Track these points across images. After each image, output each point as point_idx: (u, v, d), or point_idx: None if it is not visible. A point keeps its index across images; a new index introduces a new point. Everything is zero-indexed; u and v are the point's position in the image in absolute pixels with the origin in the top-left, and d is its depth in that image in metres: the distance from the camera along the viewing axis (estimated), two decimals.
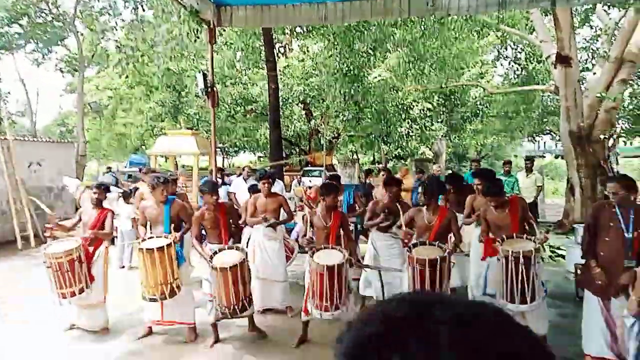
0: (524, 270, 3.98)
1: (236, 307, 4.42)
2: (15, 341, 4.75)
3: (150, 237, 4.70)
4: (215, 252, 4.62)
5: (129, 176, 15.07)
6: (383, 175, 7.01)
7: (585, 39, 14.04)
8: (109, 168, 8.09)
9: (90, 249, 4.93)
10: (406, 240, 4.58)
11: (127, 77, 19.90)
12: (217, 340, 4.69)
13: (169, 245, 4.50)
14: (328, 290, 4.10)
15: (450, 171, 9.04)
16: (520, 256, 3.96)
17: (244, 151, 33.79)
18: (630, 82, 11.42)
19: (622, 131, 12.30)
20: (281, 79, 17.60)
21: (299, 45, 21.69)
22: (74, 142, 15.32)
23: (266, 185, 5.45)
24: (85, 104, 20.90)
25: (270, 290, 5.38)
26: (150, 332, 4.86)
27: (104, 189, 5.24)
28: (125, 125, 24.67)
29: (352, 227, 5.91)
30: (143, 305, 4.80)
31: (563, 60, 9.83)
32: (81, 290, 4.68)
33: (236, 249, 4.63)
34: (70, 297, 4.64)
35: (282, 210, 5.53)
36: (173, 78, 20.34)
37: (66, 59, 22.50)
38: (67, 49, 22.80)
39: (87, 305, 4.87)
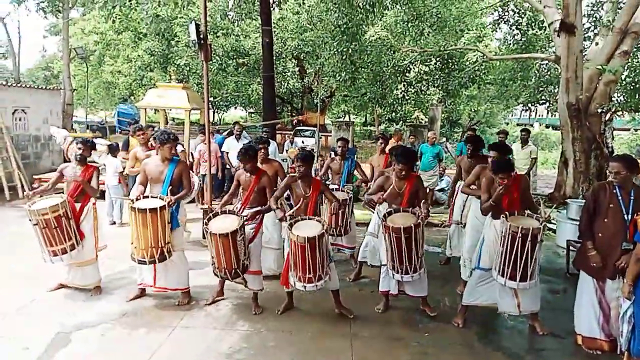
0: (530, 248, 3.97)
1: (228, 272, 4.43)
2: (1, 299, 4.69)
3: (146, 197, 4.58)
4: (215, 214, 4.55)
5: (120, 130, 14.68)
6: (380, 142, 6.89)
7: (589, 6, 13.69)
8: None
9: (77, 205, 4.81)
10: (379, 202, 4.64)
11: (113, 21, 19.02)
12: (218, 296, 4.79)
13: (162, 207, 4.39)
14: (310, 262, 4.11)
15: (470, 133, 8.77)
16: (529, 234, 3.94)
17: (235, 106, 33.21)
18: (630, 54, 11.23)
19: (617, 104, 12.23)
20: (275, 31, 16.99)
21: None
22: (60, 89, 14.80)
23: (263, 150, 5.38)
24: (71, 48, 20.00)
25: (265, 256, 5.34)
26: (142, 294, 4.83)
27: (89, 145, 5.04)
28: (112, 74, 23.86)
29: (347, 195, 5.83)
30: (135, 266, 4.73)
31: (567, 28, 9.54)
32: (72, 247, 4.61)
33: (236, 215, 4.54)
34: (61, 255, 4.56)
35: (278, 178, 5.44)
36: (162, 25, 19.52)
37: None
38: None
39: (80, 263, 4.81)
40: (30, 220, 4.46)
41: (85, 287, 4.91)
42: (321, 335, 4.23)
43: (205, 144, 6.82)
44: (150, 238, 4.38)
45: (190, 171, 7.21)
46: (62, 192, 4.87)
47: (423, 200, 4.54)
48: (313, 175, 4.99)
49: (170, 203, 4.54)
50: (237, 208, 4.75)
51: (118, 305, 4.66)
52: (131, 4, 11.83)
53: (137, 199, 4.51)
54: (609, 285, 3.90)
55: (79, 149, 4.95)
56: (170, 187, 4.66)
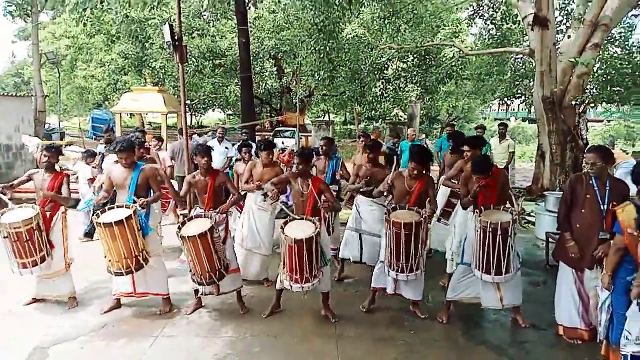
0: (501, 242, 4.01)
1: (213, 275, 4.35)
2: None
3: (111, 208, 4.46)
4: (184, 223, 4.47)
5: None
6: (362, 140, 6.89)
7: (560, 0, 13.92)
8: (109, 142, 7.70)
9: (47, 214, 4.66)
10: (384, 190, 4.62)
11: (85, 24, 18.63)
12: (198, 307, 4.69)
13: (128, 217, 4.25)
14: (298, 263, 4.06)
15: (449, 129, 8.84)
16: (499, 227, 3.98)
17: (213, 109, 32.88)
18: (601, 47, 11.46)
19: (590, 97, 12.48)
20: (251, 31, 16.87)
21: None
22: (31, 96, 14.42)
23: (269, 155, 5.37)
24: (41, 53, 19.52)
25: (251, 262, 5.29)
26: (118, 305, 4.70)
27: (55, 151, 4.88)
28: (86, 79, 23.35)
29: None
30: (113, 276, 4.62)
31: (541, 22, 9.70)
32: (43, 259, 4.46)
33: (205, 217, 4.47)
34: (32, 267, 4.42)
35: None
36: (133, 27, 19.18)
37: (17, 2, 20.78)
38: None
39: (51, 274, 4.66)
40: (6, 236, 4.30)
41: (58, 298, 4.76)
42: (307, 337, 4.19)
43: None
44: (123, 249, 4.25)
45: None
46: (35, 203, 4.71)
47: (432, 201, 4.54)
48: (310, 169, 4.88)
49: (143, 206, 4.45)
50: (203, 212, 4.66)
51: (97, 317, 4.53)
52: (102, 6, 11.55)
53: (102, 212, 4.38)
54: (587, 276, 3.96)
55: (45, 156, 4.78)
56: (136, 193, 4.57)
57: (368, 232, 5.29)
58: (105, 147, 7.52)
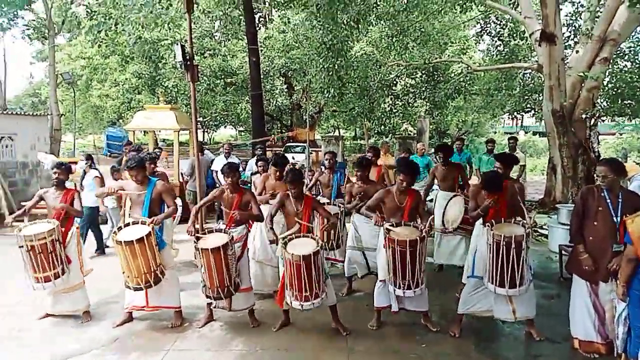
0: (515, 255, 3.99)
1: (221, 291, 4.36)
2: None
3: (127, 225, 4.52)
4: (203, 233, 4.52)
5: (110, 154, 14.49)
6: (370, 154, 6.92)
7: (567, 16, 14.00)
8: (89, 157, 7.70)
9: (62, 230, 4.72)
10: (379, 224, 4.54)
11: (99, 45, 19.11)
12: (209, 320, 4.69)
13: (148, 235, 4.33)
14: (306, 280, 4.07)
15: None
16: (512, 241, 3.96)
17: (225, 126, 33.23)
18: (610, 61, 11.46)
19: (601, 110, 12.43)
20: (261, 50, 17.16)
21: (279, 16, 21.14)
22: (47, 115, 14.73)
23: (277, 172, 5.51)
24: (58, 74, 20.00)
25: (262, 274, 5.31)
26: (130, 319, 4.73)
27: (64, 168, 4.97)
28: (100, 97, 23.84)
29: (339, 209, 5.82)
30: (125, 290, 4.66)
31: (548, 37, 9.76)
32: (57, 275, 4.49)
33: (223, 232, 4.52)
34: (44, 283, 4.46)
35: None
36: (146, 47, 19.60)
37: (34, 25, 21.40)
38: (34, 13, 21.66)
39: (68, 289, 4.71)
40: (21, 246, 4.35)
41: (74, 312, 4.80)
42: (317, 351, 4.17)
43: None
44: (142, 266, 4.32)
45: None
46: (45, 219, 4.79)
47: (425, 216, 4.57)
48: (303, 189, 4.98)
49: (157, 222, 4.51)
50: (224, 227, 4.71)
51: (109, 331, 4.56)
52: (117, 28, 11.85)
53: (119, 229, 4.44)
54: (602, 288, 3.90)
55: (55, 173, 4.87)
56: (150, 208, 4.63)
57: (369, 247, 5.29)
58: (86, 163, 7.63)
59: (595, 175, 4.60)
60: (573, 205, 4.84)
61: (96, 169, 7.57)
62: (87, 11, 14.51)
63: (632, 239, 3.38)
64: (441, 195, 6.28)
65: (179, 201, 6.78)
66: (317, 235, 4.35)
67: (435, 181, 6.53)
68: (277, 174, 5.54)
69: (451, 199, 5.97)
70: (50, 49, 18.90)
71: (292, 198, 4.58)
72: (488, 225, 4.19)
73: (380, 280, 4.54)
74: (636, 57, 13.42)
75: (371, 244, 5.24)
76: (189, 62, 6.50)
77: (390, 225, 4.38)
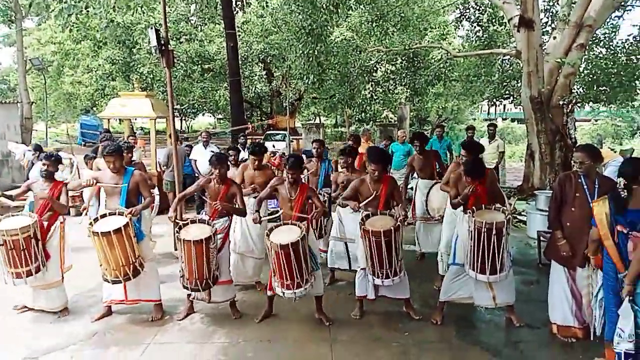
0: (496, 242, 4.02)
1: (199, 283, 4.30)
2: None
3: (103, 215, 4.40)
4: (186, 223, 4.42)
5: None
6: (351, 142, 6.88)
7: (545, 1, 14.11)
8: (38, 148, 7.23)
9: (45, 224, 4.59)
10: (356, 209, 4.55)
11: (70, 30, 18.46)
12: (189, 312, 4.64)
13: (126, 225, 4.22)
14: (286, 269, 4.04)
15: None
16: (494, 227, 3.98)
17: (203, 113, 32.71)
18: (586, 47, 11.61)
19: (577, 96, 12.64)
20: (239, 35, 16.84)
21: (257, 0, 20.75)
22: (17, 103, 14.22)
23: (256, 161, 5.38)
24: (27, 60, 19.28)
25: (243, 266, 5.25)
26: (109, 313, 4.63)
27: (54, 159, 4.83)
28: (73, 84, 23.10)
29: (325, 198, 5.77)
30: (103, 283, 4.55)
31: (526, 23, 9.78)
32: (37, 269, 4.39)
33: (207, 224, 4.43)
34: (26, 277, 4.34)
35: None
36: (119, 31, 19.01)
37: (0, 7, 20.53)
38: None
39: (45, 285, 4.58)
40: None
41: (51, 310, 4.67)
42: (301, 341, 4.16)
43: None
44: (120, 257, 4.20)
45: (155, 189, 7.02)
46: (23, 210, 4.63)
47: (400, 204, 4.56)
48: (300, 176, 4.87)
49: (135, 213, 4.40)
50: (207, 218, 4.63)
51: (87, 325, 4.46)
52: (88, 11, 11.42)
53: (95, 220, 4.32)
54: (579, 274, 3.97)
55: (44, 164, 4.73)
56: (127, 199, 4.51)
57: (352, 239, 5.26)
58: (33, 154, 7.31)
59: (572, 161, 4.66)
60: (551, 191, 4.90)
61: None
62: None
63: (596, 221, 3.46)
64: (422, 183, 6.29)
65: (156, 191, 6.66)
66: (303, 224, 4.28)
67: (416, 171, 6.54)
68: (256, 163, 5.43)
69: (432, 186, 6.00)
70: (18, 32, 18.17)
71: (287, 184, 4.51)
72: (469, 212, 4.20)
73: (361, 269, 4.53)
74: (611, 43, 13.64)
75: (354, 236, 5.20)
76: (164, 47, 6.30)
77: (365, 216, 4.36)
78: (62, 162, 5.36)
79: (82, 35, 20.25)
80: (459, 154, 9.02)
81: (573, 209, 3.97)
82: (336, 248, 5.42)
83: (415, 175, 6.65)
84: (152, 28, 6.25)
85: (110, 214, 4.40)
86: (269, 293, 4.48)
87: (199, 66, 19.98)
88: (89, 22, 16.83)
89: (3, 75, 32.87)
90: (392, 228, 4.14)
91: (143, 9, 14.88)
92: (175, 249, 6.17)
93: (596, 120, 23.94)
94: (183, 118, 33.32)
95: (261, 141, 15.49)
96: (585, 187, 3.92)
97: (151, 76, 19.29)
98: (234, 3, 17.27)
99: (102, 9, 11.12)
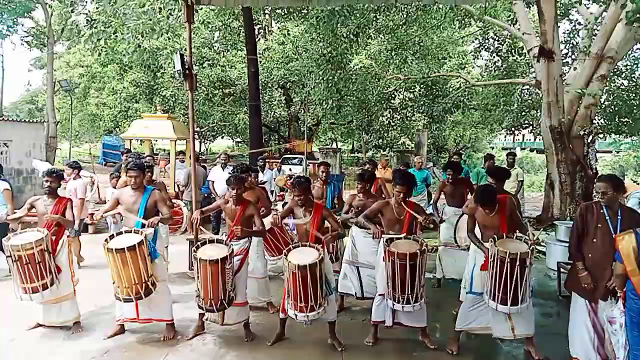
0: (519, 272, 3.92)
1: (214, 304, 4.27)
2: None
3: (119, 233, 4.44)
4: (204, 243, 4.44)
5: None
6: (368, 167, 6.89)
7: (565, 33, 14.15)
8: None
9: (52, 238, 4.62)
10: (377, 237, 4.51)
11: (99, 54, 19.14)
12: (199, 332, 4.60)
13: (140, 243, 4.24)
14: (302, 291, 3.99)
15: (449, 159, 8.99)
16: (517, 258, 3.90)
17: (222, 136, 33.20)
18: (607, 78, 11.55)
19: (598, 127, 12.50)
20: (260, 62, 17.20)
21: (278, 28, 21.27)
22: (43, 122, 14.66)
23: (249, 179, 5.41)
24: (55, 81, 19.97)
25: (248, 287, 5.21)
26: (121, 331, 4.62)
27: (56, 176, 4.88)
28: (97, 106, 23.80)
29: None
30: (116, 301, 4.56)
31: (546, 53, 9.81)
32: (52, 282, 4.42)
33: (224, 244, 4.44)
34: (42, 291, 4.37)
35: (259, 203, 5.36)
36: (145, 56, 19.62)
37: (34, 32, 21.46)
38: (34, 21, 21.74)
39: (57, 299, 4.60)
40: (8, 255, 4.27)
41: (63, 324, 4.69)
42: None
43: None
44: (133, 275, 4.21)
45: (179, 200, 7.10)
46: (33, 226, 4.70)
47: (423, 217, 4.50)
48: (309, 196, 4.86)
49: (152, 225, 4.45)
50: (224, 238, 4.64)
51: (100, 342, 4.45)
52: (116, 36, 11.85)
53: (111, 237, 4.36)
54: (601, 307, 3.84)
55: (47, 181, 4.77)
56: (145, 217, 4.55)
57: (365, 264, 5.20)
58: (73, 171, 7.42)
59: (594, 191, 4.57)
60: (572, 222, 4.80)
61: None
62: (87, 19, 14.57)
63: (622, 256, 3.35)
64: (450, 210, 6.22)
65: (186, 211, 6.68)
66: (320, 247, 4.24)
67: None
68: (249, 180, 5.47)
69: (462, 215, 5.90)
70: (49, 56, 18.92)
71: (299, 206, 4.51)
72: (491, 241, 4.12)
73: (380, 294, 4.46)
74: (633, 75, 13.56)
75: (367, 261, 5.14)
76: (187, 71, 6.48)
77: (389, 239, 4.31)
78: (64, 179, 5.39)
79: (109, 59, 20.96)
80: (476, 181, 8.99)
81: (595, 240, 3.87)
82: (348, 272, 5.33)
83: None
84: (177, 53, 6.45)
85: (126, 232, 4.44)
86: (282, 315, 4.43)
87: (220, 90, 20.44)
88: (117, 46, 17.43)
89: (32, 96, 34.03)
90: (418, 251, 4.09)
91: (169, 35, 15.38)
92: (190, 269, 6.18)
93: (618, 152, 23.53)
94: (202, 140, 33.86)
95: (279, 165, 15.58)
96: (607, 218, 3.83)
97: (173, 99, 19.77)
98: (256, 31, 17.74)
99: (130, 35, 11.50)
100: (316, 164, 16.39)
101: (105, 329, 4.70)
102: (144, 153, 11.08)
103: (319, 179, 6.08)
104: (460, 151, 19.93)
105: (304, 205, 4.50)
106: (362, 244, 5.24)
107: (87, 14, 16.42)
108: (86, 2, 17.18)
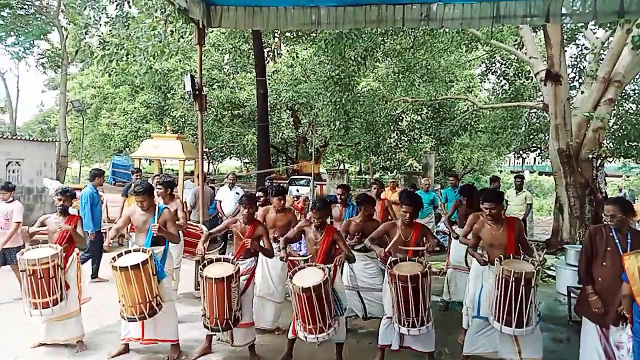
0: (524, 293, 3.86)
1: (220, 323, 4.24)
2: None
3: (127, 251, 4.46)
4: (210, 261, 4.43)
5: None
6: (375, 188, 6.89)
7: (572, 57, 14.24)
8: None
9: (63, 254, 4.65)
10: (383, 259, 4.47)
11: (110, 75, 19.54)
12: (205, 352, 4.56)
13: (144, 262, 4.22)
14: (309, 312, 3.94)
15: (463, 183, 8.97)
16: (522, 278, 3.85)
17: (230, 157, 33.41)
18: (615, 102, 11.55)
19: (607, 151, 12.45)
20: (269, 84, 17.43)
21: (287, 51, 21.61)
22: (55, 142, 14.89)
23: (280, 201, 5.42)
24: (68, 102, 20.36)
25: (264, 309, 5.18)
26: (126, 350, 4.59)
27: (69, 195, 4.96)
28: (108, 126, 24.17)
29: None
30: (122, 320, 4.54)
31: (553, 77, 9.87)
32: (55, 302, 4.40)
33: (230, 263, 4.43)
34: (42, 309, 4.36)
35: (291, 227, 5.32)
36: (156, 77, 20.02)
37: (48, 54, 21.98)
38: (49, 43, 22.29)
39: (63, 316, 4.59)
40: (23, 270, 4.29)
41: (67, 341, 4.67)
42: None
43: None
44: (137, 295, 4.19)
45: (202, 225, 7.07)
46: (43, 244, 4.74)
47: (429, 244, 4.47)
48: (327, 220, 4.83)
49: (160, 232, 4.49)
50: (232, 257, 4.64)
51: None
52: (128, 58, 12.12)
53: (119, 256, 4.38)
54: (612, 332, 3.77)
55: (59, 200, 4.85)
56: (155, 237, 4.56)
57: (365, 287, 5.15)
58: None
59: (603, 215, 4.53)
60: (581, 245, 4.75)
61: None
62: (100, 41, 14.93)
63: (627, 276, 3.32)
64: (461, 231, 6.16)
65: (205, 229, 6.66)
66: (327, 267, 4.21)
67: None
68: (280, 202, 5.44)
69: None
70: (63, 77, 19.31)
71: (312, 226, 4.51)
72: (497, 261, 4.09)
73: (387, 317, 4.40)
74: None
75: (365, 284, 5.10)
76: (197, 92, 6.61)
77: (394, 261, 4.29)
78: (76, 197, 5.47)
79: (121, 80, 21.39)
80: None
81: (604, 263, 3.83)
82: (350, 297, 5.22)
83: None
84: (187, 74, 6.59)
85: (134, 250, 4.45)
86: (291, 336, 4.37)
87: (229, 111, 20.68)
88: (129, 68, 17.83)
89: (44, 116, 34.65)
90: (420, 273, 4.02)
91: (180, 56, 15.71)
92: (196, 289, 6.16)
93: (628, 176, 23.36)
94: (210, 161, 34.10)
95: (285, 185, 15.64)
96: (617, 241, 3.79)
97: (183, 120, 20.02)
98: (265, 54, 18.03)
99: (142, 57, 11.75)
100: (323, 186, 16.44)
101: (110, 347, 4.67)
102: (151, 173, 11.21)
103: (337, 204, 6.07)
104: (457, 173, 19.75)
105: (317, 227, 4.49)
106: (359, 269, 5.20)
107: (100, 36, 16.85)
108: (100, 24, 17.57)
